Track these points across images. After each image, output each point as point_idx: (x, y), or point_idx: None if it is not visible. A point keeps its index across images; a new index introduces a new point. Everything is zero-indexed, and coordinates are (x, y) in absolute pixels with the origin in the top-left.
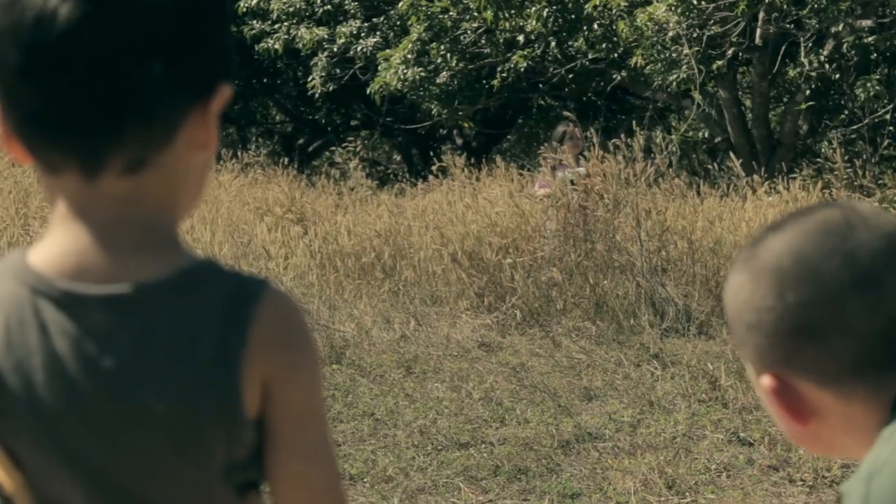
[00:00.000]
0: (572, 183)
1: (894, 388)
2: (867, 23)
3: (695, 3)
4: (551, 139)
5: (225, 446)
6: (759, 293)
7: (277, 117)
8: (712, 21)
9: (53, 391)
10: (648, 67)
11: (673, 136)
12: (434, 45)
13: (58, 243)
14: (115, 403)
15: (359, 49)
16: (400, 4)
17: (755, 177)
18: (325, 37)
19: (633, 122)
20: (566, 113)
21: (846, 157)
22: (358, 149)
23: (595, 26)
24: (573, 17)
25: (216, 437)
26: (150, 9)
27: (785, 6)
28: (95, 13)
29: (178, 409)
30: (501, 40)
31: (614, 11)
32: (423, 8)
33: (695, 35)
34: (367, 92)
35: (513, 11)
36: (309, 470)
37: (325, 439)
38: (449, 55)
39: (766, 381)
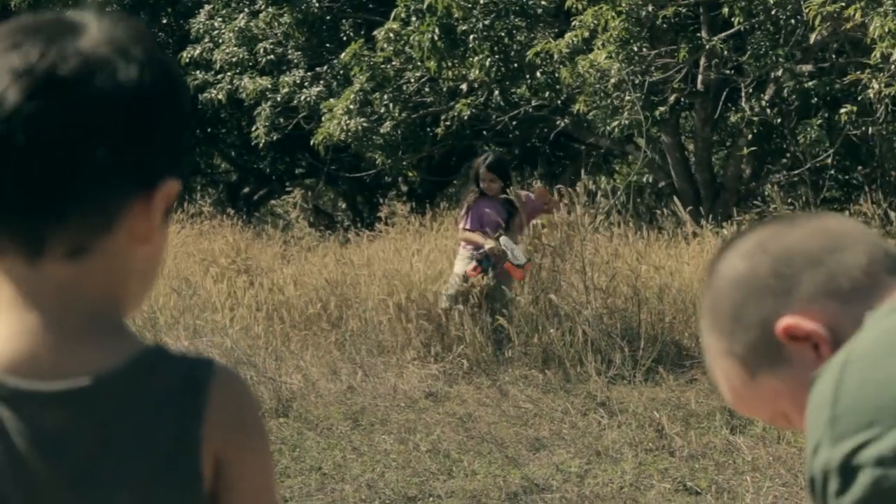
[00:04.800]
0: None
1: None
2: (807, 67)
3: (636, 49)
4: (472, 173)
5: None
6: (737, 282)
7: (222, 166)
8: (654, 67)
9: (18, 491)
10: (591, 113)
11: (617, 181)
12: (377, 94)
13: (4, 336)
14: (77, 500)
15: (302, 98)
16: (343, 54)
17: (701, 221)
18: (269, 86)
19: (577, 169)
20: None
21: (788, 201)
22: (297, 200)
23: (538, 74)
24: (515, 65)
25: None
26: (100, 99)
27: (725, 52)
28: (41, 96)
29: (141, 499)
30: (444, 89)
31: (556, 59)
32: (366, 58)
33: (637, 81)
34: (311, 143)
35: (455, 61)
36: None
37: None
38: (392, 105)
39: (785, 321)
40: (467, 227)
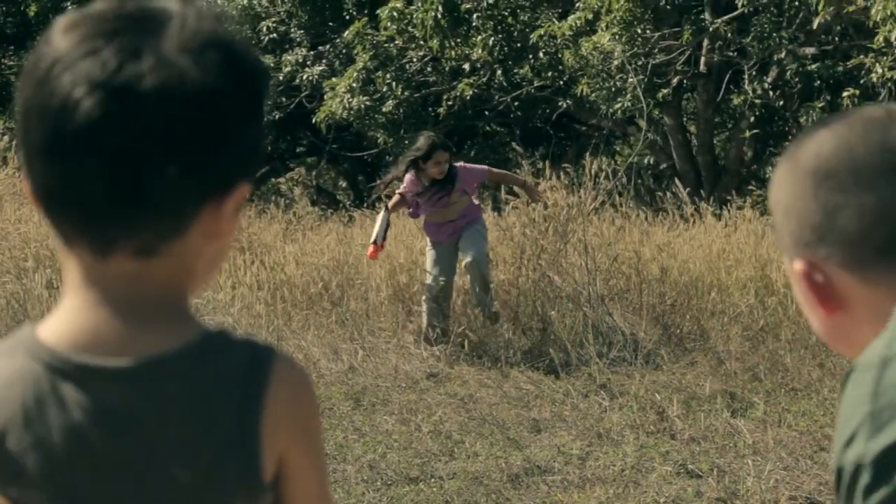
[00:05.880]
0: None
1: None
2: (810, 50)
3: (639, 31)
4: (410, 150)
5: None
6: (796, 181)
7: None
8: (657, 49)
9: (75, 465)
10: (594, 95)
11: (618, 163)
12: (380, 73)
13: (70, 317)
14: (139, 476)
15: (305, 77)
16: (346, 33)
17: (702, 204)
18: (271, 65)
19: (579, 150)
20: (429, 135)
21: None
22: (299, 178)
23: (541, 54)
24: (519, 45)
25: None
26: (173, 113)
27: (729, 34)
28: (116, 112)
29: (201, 478)
30: (447, 68)
31: (559, 40)
32: (369, 37)
33: (640, 63)
34: (313, 121)
35: (458, 40)
36: None
37: (331, 495)
38: (395, 83)
39: (797, 265)
40: (402, 191)
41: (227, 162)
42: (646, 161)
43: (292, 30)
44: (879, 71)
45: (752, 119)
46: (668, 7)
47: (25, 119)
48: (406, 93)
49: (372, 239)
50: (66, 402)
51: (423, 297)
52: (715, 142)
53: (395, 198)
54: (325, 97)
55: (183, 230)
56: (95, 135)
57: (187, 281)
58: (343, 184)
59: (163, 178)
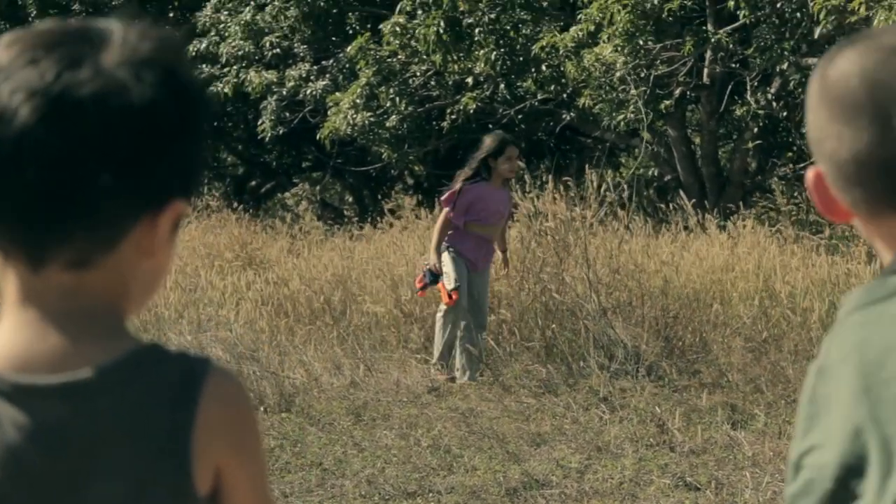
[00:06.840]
0: None
1: None
2: (813, 61)
3: (641, 43)
4: (479, 151)
5: None
6: (812, 93)
7: (228, 160)
8: (659, 61)
9: (14, 485)
10: (597, 107)
11: (623, 175)
12: (383, 88)
13: (6, 336)
14: (76, 493)
15: (308, 92)
16: (349, 48)
17: (706, 215)
18: (275, 80)
19: (583, 162)
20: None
21: (794, 195)
22: (304, 193)
23: (543, 67)
24: (521, 58)
25: None
26: (109, 122)
27: (731, 45)
28: (52, 118)
29: (133, 492)
30: (450, 82)
31: (562, 52)
32: (372, 52)
33: (642, 75)
34: (317, 136)
35: (461, 54)
36: None
37: None
38: (398, 98)
39: (809, 171)
40: (451, 215)
41: (162, 175)
42: (650, 173)
43: (296, 45)
44: None
45: (756, 130)
46: (670, 18)
47: None
48: (409, 108)
49: (452, 286)
50: (1, 421)
51: (449, 319)
52: (719, 153)
53: (437, 232)
54: (329, 113)
55: (117, 242)
56: (32, 141)
57: (122, 297)
58: (349, 198)
59: (97, 186)
